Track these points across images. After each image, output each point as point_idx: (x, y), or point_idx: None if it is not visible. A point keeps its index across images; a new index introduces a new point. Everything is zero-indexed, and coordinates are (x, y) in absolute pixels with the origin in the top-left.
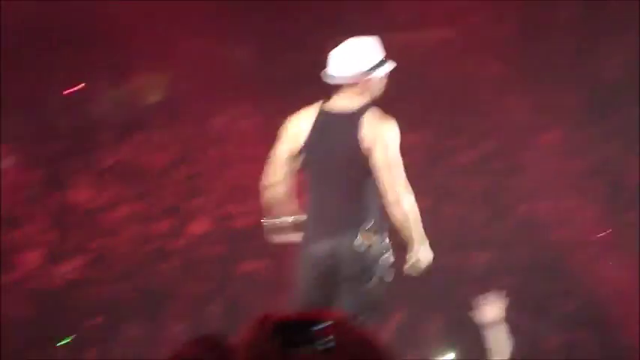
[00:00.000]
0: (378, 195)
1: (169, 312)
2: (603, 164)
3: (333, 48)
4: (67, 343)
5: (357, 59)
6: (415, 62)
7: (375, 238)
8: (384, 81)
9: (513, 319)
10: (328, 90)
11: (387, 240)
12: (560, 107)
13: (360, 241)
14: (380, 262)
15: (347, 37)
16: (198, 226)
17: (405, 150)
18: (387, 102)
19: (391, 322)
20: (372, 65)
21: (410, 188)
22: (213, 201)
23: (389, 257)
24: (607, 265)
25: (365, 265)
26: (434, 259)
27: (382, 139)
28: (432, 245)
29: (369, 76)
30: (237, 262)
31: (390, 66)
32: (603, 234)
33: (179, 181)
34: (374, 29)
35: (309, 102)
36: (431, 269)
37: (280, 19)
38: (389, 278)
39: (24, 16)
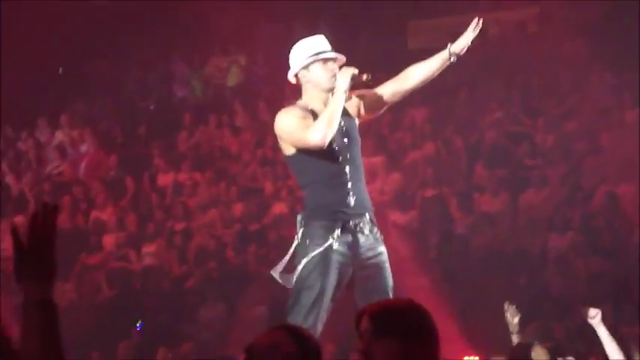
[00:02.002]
0: (302, 188)
1: (249, 295)
2: None
3: (414, 31)
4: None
5: (290, 63)
6: (496, 42)
7: (298, 227)
8: (324, 74)
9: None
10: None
11: (303, 227)
12: None
13: None
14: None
15: (427, 20)
16: (277, 209)
17: (483, 129)
18: (468, 82)
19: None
20: (295, 67)
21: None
22: (289, 185)
23: (301, 243)
24: None
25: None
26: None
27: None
28: (511, 228)
29: (295, 76)
30: None
31: (314, 58)
32: None
33: (256, 165)
34: (454, 11)
35: (379, 84)
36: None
37: (357, 4)
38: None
39: (106, 2)
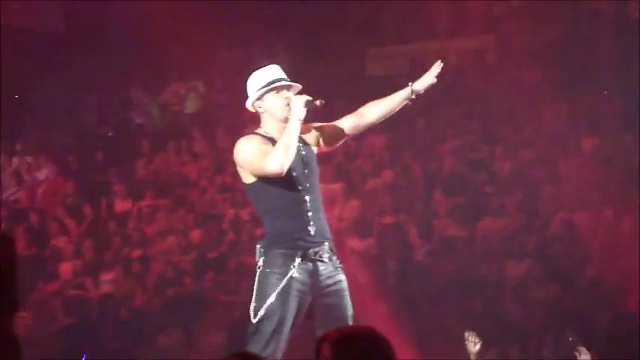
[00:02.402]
0: (261, 216)
1: (206, 322)
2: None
3: (373, 57)
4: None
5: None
6: (452, 70)
7: (257, 256)
8: (278, 103)
9: (553, 329)
10: (367, 98)
11: (263, 256)
12: (597, 115)
13: None
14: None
15: (386, 47)
16: (233, 237)
17: (441, 157)
18: (426, 109)
19: (434, 333)
20: (250, 98)
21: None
22: (248, 212)
23: (259, 273)
24: None
25: None
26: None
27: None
28: (469, 255)
29: (251, 106)
30: None
31: (263, 90)
32: None
33: (215, 192)
34: (411, 38)
35: (344, 112)
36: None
37: (318, 30)
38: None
39: (63, 29)
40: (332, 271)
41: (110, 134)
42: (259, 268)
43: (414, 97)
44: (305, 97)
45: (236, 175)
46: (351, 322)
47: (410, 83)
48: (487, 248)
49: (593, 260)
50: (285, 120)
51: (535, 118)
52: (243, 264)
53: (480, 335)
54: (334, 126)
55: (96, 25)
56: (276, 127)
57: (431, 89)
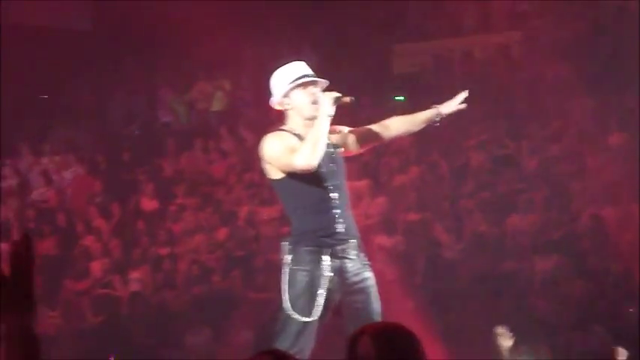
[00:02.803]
0: (288, 213)
1: (234, 320)
2: None
3: (399, 54)
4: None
5: (272, 90)
6: (478, 65)
7: (284, 253)
8: (305, 99)
9: (583, 325)
10: (392, 95)
11: (291, 254)
12: (624, 110)
13: None
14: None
15: (409, 43)
16: (261, 234)
17: (468, 153)
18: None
19: (462, 330)
20: (276, 95)
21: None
22: (275, 209)
23: (288, 271)
24: None
25: None
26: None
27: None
28: (497, 252)
29: (277, 103)
30: None
31: (291, 85)
32: None
33: (241, 189)
34: (437, 33)
35: (371, 109)
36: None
37: (344, 27)
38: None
39: (89, 27)
40: (359, 268)
41: (137, 132)
42: (287, 265)
43: (438, 119)
44: (334, 94)
45: (263, 173)
46: (379, 319)
47: (436, 106)
48: (515, 244)
49: (622, 256)
50: (312, 117)
51: (562, 113)
52: (271, 261)
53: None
54: (360, 132)
55: (123, 25)
56: (302, 125)
57: (456, 86)
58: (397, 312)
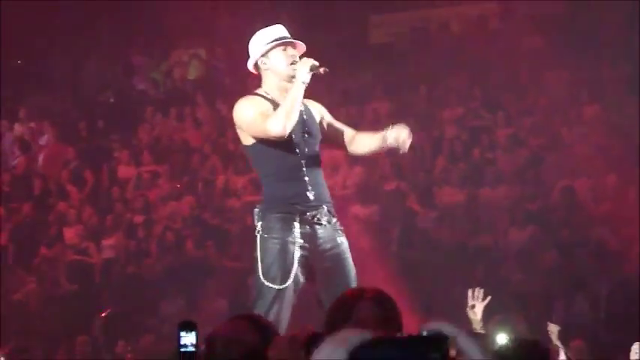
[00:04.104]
0: (260, 179)
1: (208, 288)
2: None
3: (376, 25)
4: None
5: (250, 51)
6: (455, 37)
7: (255, 219)
8: (284, 60)
9: (554, 295)
10: (369, 66)
11: (261, 220)
12: (599, 81)
13: None
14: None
15: (384, 15)
16: (235, 202)
17: (444, 124)
18: (426, 77)
19: (436, 300)
20: (255, 54)
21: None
22: (249, 178)
23: (259, 237)
24: None
25: None
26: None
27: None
28: (471, 222)
29: (253, 63)
30: None
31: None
32: None
33: (217, 158)
34: (414, 5)
35: (347, 80)
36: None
37: None
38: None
39: None
40: (331, 233)
41: (112, 100)
42: (258, 232)
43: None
44: (311, 61)
45: (237, 141)
46: (354, 284)
47: (387, 132)
48: (490, 215)
49: (596, 227)
50: (289, 79)
51: (537, 85)
52: (246, 230)
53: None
54: (338, 128)
55: None
56: (278, 87)
57: (433, 56)
58: (371, 281)
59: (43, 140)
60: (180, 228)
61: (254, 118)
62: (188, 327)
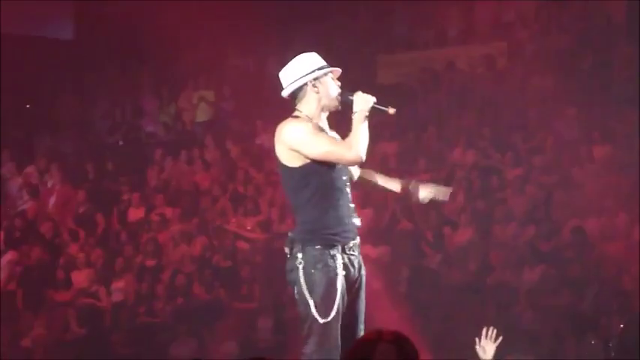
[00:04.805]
0: (297, 202)
1: (218, 330)
2: None
3: (384, 64)
4: None
5: (285, 77)
6: (463, 76)
7: (291, 247)
8: (334, 86)
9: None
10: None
11: (301, 252)
12: (609, 122)
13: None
14: (291, 275)
15: (395, 52)
16: (244, 244)
17: (453, 164)
18: (435, 117)
19: (442, 338)
20: (308, 76)
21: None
22: (260, 219)
23: (302, 270)
24: None
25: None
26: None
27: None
28: (482, 262)
29: (292, 89)
30: (282, 279)
31: (316, 74)
32: None
33: (226, 200)
34: (422, 44)
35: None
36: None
37: (328, 36)
38: (312, 295)
39: (73, 37)
40: (360, 263)
41: (121, 143)
42: (300, 264)
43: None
44: (373, 98)
45: (247, 183)
46: (363, 316)
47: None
48: (500, 255)
49: (607, 266)
50: (335, 105)
51: (547, 124)
52: (255, 272)
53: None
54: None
55: (106, 34)
56: (319, 112)
57: (441, 96)
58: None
59: (51, 183)
60: (189, 271)
61: (319, 139)
62: None
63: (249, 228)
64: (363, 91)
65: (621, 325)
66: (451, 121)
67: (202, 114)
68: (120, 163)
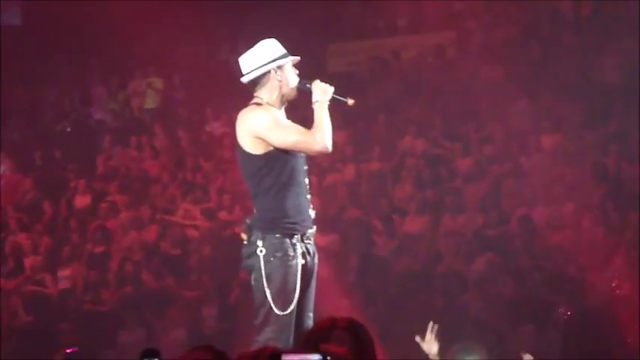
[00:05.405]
0: (257, 190)
1: (166, 318)
2: (601, 169)
3: (334, 54)
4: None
5: (246, 62)
6: (413, 66)
7: (249, 234)
8: (294, 75)
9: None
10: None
11: (261, 240)
12: (558, 112)
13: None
14: (248, 261)
15: (345, 41)
16: (193, 232)
17: (403, 153)
18: (385, 106)
19: (391, 327)
20: (270, 64)
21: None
22: (208, 207)
23: (262, 257)
24: (604, 271)
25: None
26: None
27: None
28: (431, 250)
29: (255, 76)
30: (231, 267)
31: (277, 62)
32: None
33: (175, 188)
34: (372, 33)
35: (305, 107)
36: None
37: (279, 24)
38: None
39: (20, 24)
40: (314, 250)
41: (69, 130)
42: (261, 252)
43: None
44: (332, 88)
45: (195, 171)
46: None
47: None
48: (449, 244)
49: (553, 255)
50: (294, 94)
51: (496, 114)
52: (204, 260)
53: (440, 331)
54: None
55: (53, 20)
56: (281, 99)
57: (391, 85)
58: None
59: (0, 170)
60: (138, 258)
61: (287, 128)
62: (151, 355)
63: (195, 220)
64: (312, 80)
65: (568, 313)
66: (401, 110)
67: (151, 101)
68: (68, 150)
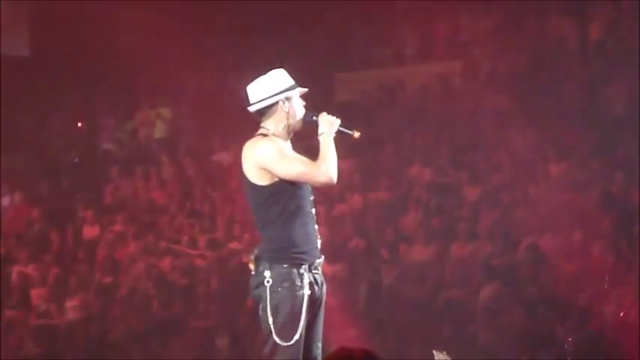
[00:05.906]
0: (264, 220)
1: (177, 346)
2: (607, 198)
3: (342, 83)
4: None
5: (254, 92)
6: (419, 95)
7: (257, 264)
8: (301, 106)
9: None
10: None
11: (268, 270)
12: (565, 141)
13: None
14: (256, 291)
15: (354, 72)
16: (201, 262)
17: (410, 182)
18: (392, 135)
19: (399, 356)
20: (279, 95)
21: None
22: (216, 237)
23: (269, 288)
24: (612, 299)
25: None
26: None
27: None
28: (438, 279)
29: (263, 106)
30: (240, 297)
31: (287, 94)
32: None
33: (182, 217)
34: (379, 63)
35: (313, 135)
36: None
37: (286, 56)
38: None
39: (28, 54)
40: (322, 280)
41: (76, 160)
42: (267, 283)
43: None
44: (338, 121)
45: (204, 201)
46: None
47: None
48: (457, 273)
49: (562, 284)
50: (299, 125)
51: (503, 143)
52: (212, 289)
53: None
54: None
55: (63, 50)
56: (287, 130)
57: (398, 114)
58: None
59: (7, 201)
60: (146, 288)
61: (292, 159)
62: None
63: (202, 250)
64: (319, 108)
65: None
66: (408, 138)
67: (159, 131)
68: (75, 180)
